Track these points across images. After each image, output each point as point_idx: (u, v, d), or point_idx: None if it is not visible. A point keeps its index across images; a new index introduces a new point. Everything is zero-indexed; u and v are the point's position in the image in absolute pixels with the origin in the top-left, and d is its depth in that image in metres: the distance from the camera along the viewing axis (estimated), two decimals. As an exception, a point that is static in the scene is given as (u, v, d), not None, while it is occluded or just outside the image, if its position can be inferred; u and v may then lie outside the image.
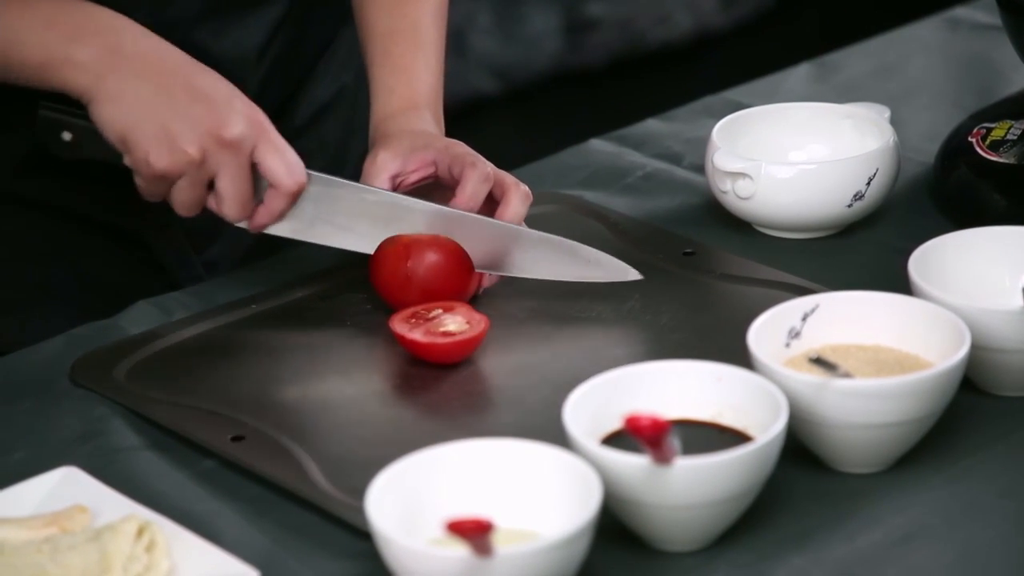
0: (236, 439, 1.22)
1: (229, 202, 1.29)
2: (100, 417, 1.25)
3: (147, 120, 1.26)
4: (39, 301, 1.45)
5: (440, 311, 1.29)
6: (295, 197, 1.31)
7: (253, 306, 1.37)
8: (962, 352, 1.15)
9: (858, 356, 1.20)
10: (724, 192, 1.43)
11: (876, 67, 1.72)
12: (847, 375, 1.15)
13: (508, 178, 1.35)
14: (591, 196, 1.51)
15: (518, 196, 1.34)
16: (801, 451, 1.17)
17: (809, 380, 1.14)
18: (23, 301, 1.45)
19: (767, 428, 1.10)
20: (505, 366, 1.29)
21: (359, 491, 1.08)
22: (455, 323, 1.28)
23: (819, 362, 1.16)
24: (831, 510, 1.13)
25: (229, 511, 1.16)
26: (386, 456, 1.10)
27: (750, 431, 1.13)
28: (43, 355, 1.34)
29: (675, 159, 1.57)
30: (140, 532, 1.09)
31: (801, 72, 1.71)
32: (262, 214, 1.31)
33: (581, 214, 1.46)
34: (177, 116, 1.26)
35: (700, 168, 1.51)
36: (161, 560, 1.08)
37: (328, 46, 1.54)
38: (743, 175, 1.41)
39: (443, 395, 1.26)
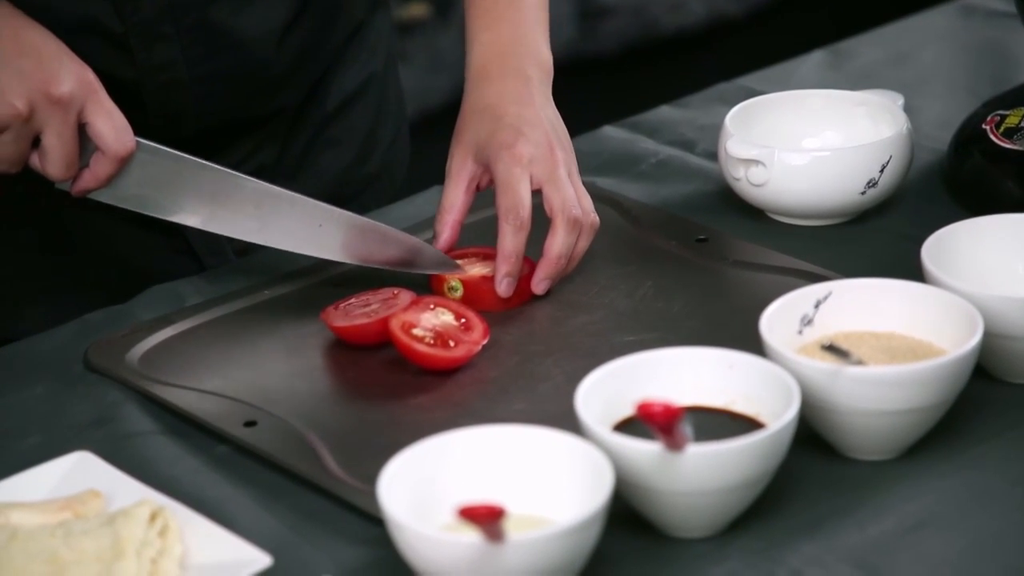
0: (249, 425, 1.22)
1: (53, 160, 1.26)
2: (114, 402, 1.26)
3: None
4: (68, 288, 1.45)
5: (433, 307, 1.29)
6: (122, 163, 1.28)
7: (266, 292, 1.37)
8: (975, 339, 1.15)
9: (871, 343, 1.20)
10: (737, 179, 1.43)
11: (890, 55, 1.71)
12: (860, 362, 1.15)
13: (558, 207, 1.31)
14: (604, 183, 1.51)
15: (562, 227, 1.31)
16: (813, 438, 1.17)
17: (822, 367, 1.14)
18: (53, 288, 1.45)
19: (779, 415, 1.11)
20: (517, 352, 1.29)
21: (372, 477, 1.08)
22: (448, 325, 1.28)
23: (832, 349, 1.16)
24: (843, 497, 1.13)
25: (242, 496, 1.16)
26: (398, 442, 1.10)
27: (762, 418, 1.13)
28: (57, 340, 1.34)
29: (688, 146, 1.57)
30: (153, 517, 1.09)
31: (815, 59, 1.71)
32: (87, 178, 1.28)
33: (594, 200, 1.46)
34: (4, 68, 1.24)
35: (713, 155, 1.51)
36: (174, 545, 1.08)
37: (357, 32, 1.53)
38: (756, 162, 1.41)
39: (456, 382, 1.26)
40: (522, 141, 1.32)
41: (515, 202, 1.30)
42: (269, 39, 1.41)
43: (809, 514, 1.12)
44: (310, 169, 1.51)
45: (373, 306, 1.30)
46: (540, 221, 1.33)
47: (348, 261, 1.34)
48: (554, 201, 1.32)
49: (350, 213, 1.33)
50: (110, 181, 1.29)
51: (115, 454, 1.18)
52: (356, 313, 1.30)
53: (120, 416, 1.24)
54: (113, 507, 1.12)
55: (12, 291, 1.46)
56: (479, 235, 1.38)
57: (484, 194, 1.38)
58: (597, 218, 1.34)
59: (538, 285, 1.32)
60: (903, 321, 1.20)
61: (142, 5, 1.35)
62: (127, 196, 1.31)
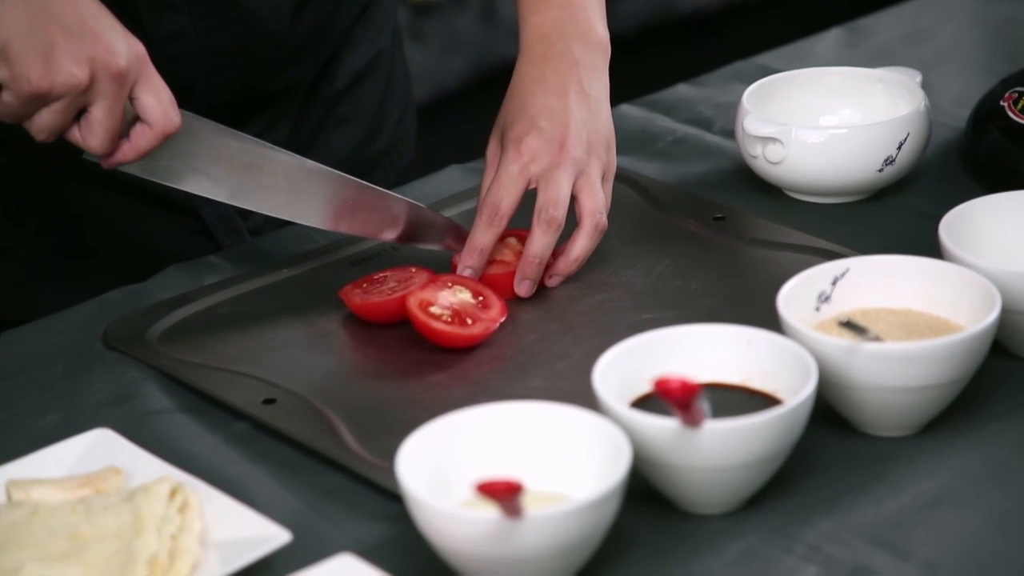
0: (268, 402, 1.22)
1: (98, 133, 1.22)
2: (133, 380, 1.26)
3: (33, 35, 1.19)
4: (86, 269, 1.46)
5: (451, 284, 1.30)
6: (166, 138, 1.24)
7: (285, 270, 1.37)
8: (992, 316, 1.15)
9: (888, 320, 1.20)
10: (754, 157, 1.43)
11: (908, 32, 1.71)
12: (877, 339, 1.16)
13: (538, 207, 1.30)
14: (621, 161, 1.51)
15: (538, 227, 1.29)
16: (830, 415, 1.17)
17: (839, 344, 1.14)
18: (71, 268, 1.46)
19: (796, 392, 1.11)
20: (535, 330, 1.29)
21: (390, 454, 1.08)
22: (468, 303, 1.28)
23: (849, 326, 1.16)
24: (860, 474, 1.14)
25: (261, 473, 1.17)
26: (417, 419, 1.11)
27: (780, 395, 1.13)
28: (77, 319, 1.34)
29: (705, 124, 1.57)
30: (173, 493, 1.10)
31: (832, 37, 1.71)
32: (126, 150, 1.24)
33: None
34: (67, 35, 1.19)
35: (730, 133, 1.51)
36: (194, 521, 1.09)
37: (366, 9, 1.53)
38: (774, 140, 1.41)
39: (474, 359, 1.26)
40: (532, 136, 1.31)
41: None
42: (281, 14, 1.41)
43: (826, 490, 1.12)
44: (321, 147, 1.52)
45: (391, 284, 1.31)
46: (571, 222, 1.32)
47: (377, 239, 1.34)
48: (539, 200, 1.31)
49: (382, 190, 1.32)
50: (145, 156, 1.26)
51: (134, 432, 1.19)
52: (374, 291, 1.31)
53: (139, 394, 1.25)
54: (133, 484, 1.13)
55: (31, 271, 1.46)
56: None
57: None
58: (604, 220, 1.32)
59: (519, 285, 1.31)
60: (920, 298, 1.20)
61: None
62: (156, 168, 1.28)
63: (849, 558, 1.07)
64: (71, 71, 1.19)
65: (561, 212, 1.30)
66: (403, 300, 1.28)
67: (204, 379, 1.25)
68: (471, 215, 1.34)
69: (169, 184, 1.29)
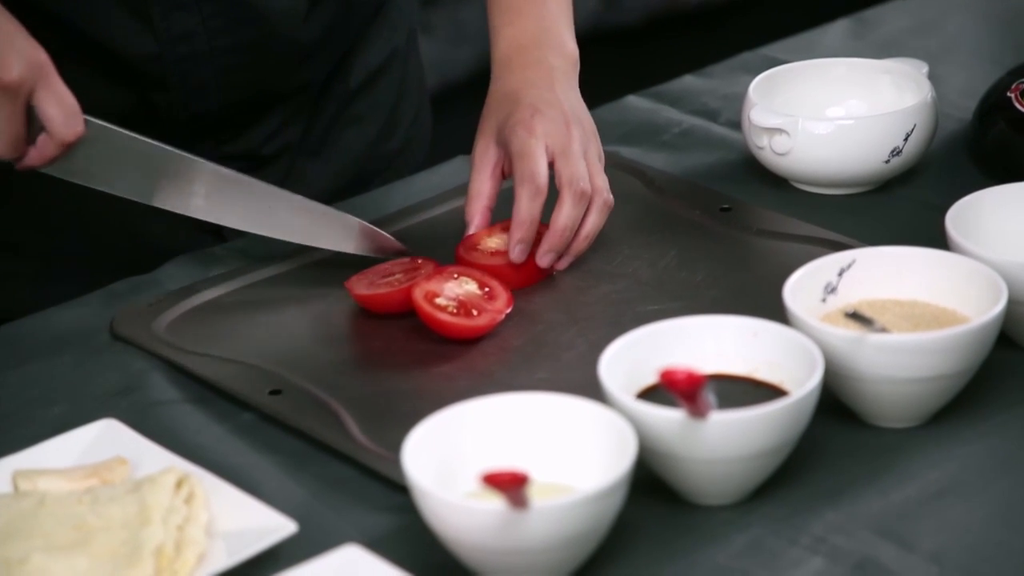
0: (274, 393, 1.22)
1: (1, 141, 1.25)
2: (139, 371, 1.26)
3: None
4: (93, 260, 1.46)
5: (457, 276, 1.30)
6: (68, 147, 1.27)
7: (290, 261, 1.37)
8: (999, 307, 1.15)
9: (894, 311, 1.20)
10: (761, 148, 1.43)
11: (914, 23, 1.71)
12: (883, 330, 1.15)
13: (566, 180, 1.31)
14: (628, 152, 1.51)
15: (569, 199, 1.30)
16: (836, 406, 1.17)
17: (845, 335, 1.14)
18: (78, 259, 1.46)
19: (802, 383, 1.11)
20: (541, 321, 1.29)
21: (396, 445, 1.08)
22: (473, 294, 1.28)
23: (855, 317, 1.16)
24: (866, 465, 1.14)
25: (267, 464, 1.17)
26: (422, 410, 1.11)
27: (786, 386, 1.13)
28: (83, 310, 1.35)
29: (712, 115, 1.57)
30: (179, 484, 1.10)
31: (839, 28, 1.71)
32: (33, 157, 1.27)
33: (618, 170, 1.46)
34: None
35: (737, 124, 1.51)
36: (200, 512, 1.09)
37: (381, 8, 1.53)
38: (780, 131, 1.41)
39: (480, 350, 1.26)
40: (538, 117, 1.32)
41: (530, 169, 1.30)
42: (293, 13, 1.41)
43: (832, 481, 1.12)
44: (334, 146, 1.52)
45: (396, 275, 1.31)
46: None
47: (297, 242, 1.34)
48: (563, 174, 1.31)
49: (299, 196, 1.33)
50: (55, 161, 1.29)
51: (141, 422, 1.19)
52: (379, 282, 1.31)
53: (146, 385, 1.25)
54: (139, 474, 1.13)
55: (40, 268, 1.46)
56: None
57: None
58: (611, 198, 1.33)
59: (542, 258, 1.32)
60: (927, 289, 1.20)
61: None
62: (74, 171, 1.30)
63: (855, 549, 1.07)
64: None
65: (587, 185, 1.31)
66: (408, 291, 1.28)
67: (210, 370, 1.25)
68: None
69: (88, 185, 1.31)
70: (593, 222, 1.32)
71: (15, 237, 1.46)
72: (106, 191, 1.31)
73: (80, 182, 1.30)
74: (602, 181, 1.33)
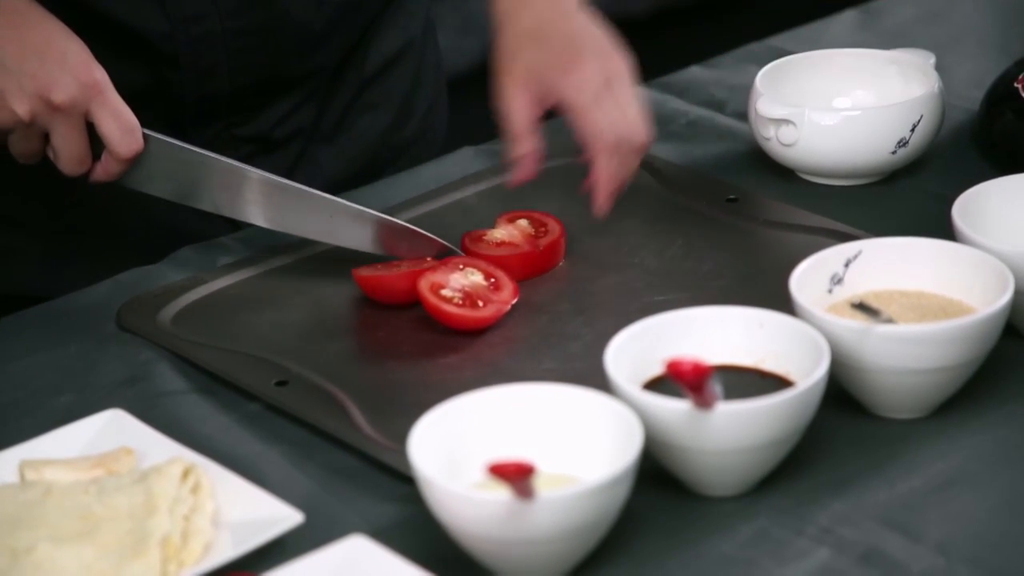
0: (280, 383, 1.22)
1: (63, 159, 1.29)
2: (146, 361, 1.26)
3: None
4: (101, 248, 1.46)
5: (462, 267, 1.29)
6: (129, 162, 1.30)
7: (297, 252, 1.37)
8: (1005, 298, 1.15)
9: (901, 302, 1.20)
10: (767, 139, 1.43)
11: (922, 13, 1.71)
12: (889, 321, 1.15)
13: (596, 135, 1.30)
14: (634, 143, 1.50)
15: (605, 155, 1.30)
16: (843, 397, 1.17)
17: (851, 326, 1.14)
18: (85, 248, 1.46)
19: (809, 374, 1.11)
20: (547, 313, 1.29)
21: (402, 435, 1.08)
22: (477, 285, 1.28)
23: (861, 308, 1.16)
24: (872, 455, 1.13)
25: (273, 454, 1.17)
26: (428, 401, 1.11)
27: (792, 377, 1.13)
28: (90, 300, 1.35)
29: (718, 106, 1.57)
30: (185, 474, 1.10)
31: (846, 19, 1.70)
32: (99, 172, 1.30)
33: (624, 161, 1.46)
34: (6, 73, 1.25)
35: (743, 115, 1.50)
36: (206, 502, 1.09)
37: None
38: (787, 122, 1.41)
39: (486, 341, 1.26)
40: (579, 65, 1.30)
41: (599, 128, 1.29)
42: (308, 2, 1.41)
43: (838, 472, 1.12)
44: (347, 133, 1.51)
45: (403, 267, 1.31)
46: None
47: (363, 250, 1.34)
48: (587, 130, 1.30)
49: (359, 207, 1.33)
50: (121, 176, 1.31)
51: (147, 412, 1.19)
52: (382, 267, 1.30)
53: (152, 375, 1.25)
54: (145, 464, 1.13)
55: (48, 246, 1.47)
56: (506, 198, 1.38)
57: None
58: (643, 136, 1.31)
59: (599, 208, 1.31)
60: (933, 279, 1.20)
61: None
62: (143, 183, 1.32)
63: (861, 540, 1.07)
64: (10, 108, 1.25)
65: (615, 133, 1.30)
66: (411, 276, 1.27)
67: (216, 360, 1.25)
68: (486, 195, 1.34)
69: (162, 197, 1.33)
70: (631, 165, 1.31)
71: (22, 214, 1.46)
72: (177, 202, 1.33)
73: (153, 193, 1.33)
74: (634, 114, 1.30)
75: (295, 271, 1.36)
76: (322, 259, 1.37)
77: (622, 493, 1.05)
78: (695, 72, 1.63)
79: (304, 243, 1.38)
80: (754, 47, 1.66)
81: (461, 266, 1.30)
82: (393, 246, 1.33)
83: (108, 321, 1.31)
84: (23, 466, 1.13)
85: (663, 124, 1.54)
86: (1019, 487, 1.11)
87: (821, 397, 1.11)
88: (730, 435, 1.08)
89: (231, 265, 1.37)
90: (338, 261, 1.35)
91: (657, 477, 1.11)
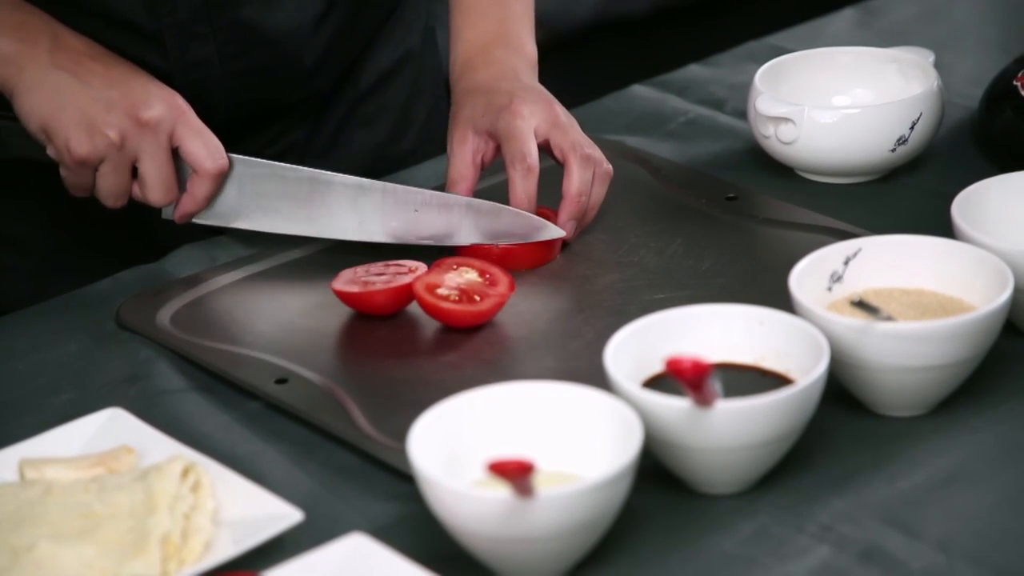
0: (280, 382, 1.22)
1: (152, 186, 1.30)
2: (146, 360, 1.26)
3: (66, 107, 1.28)
4: (100, 247, 1.46)
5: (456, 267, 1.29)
6: (218, 180, 1.31)
7: (297, 250, 1.38)
8: (1005, 295, 1.15)
9: (900, 299, 1.20)
10: (767, 137, 1.43)
11: (921, 11, 1.71)
12: (889, 318, 1.15)
13: (568, 147, 1.31)
14: (633, 141, 1.51)
15: (576, 164, 1.31)
16: (843, 394, 1.17)
17: (851, 323, 1.14)
18: (85, 246, 1.46)
19: (808, 371, 1.11)
20: (547, 310, 1.29)
21: (402, 433, 1.08)
22: (475, 284, 1.28)
23: (861, 305, 1.16)
24: (872, 453, 1.14)
25: (273, 452, 1.17)
26: (428, 399, 1.11)
27: (792, 374, 1.13)
28: (90, 298, 1.35)
29: (718, 104, 1.57)
30: (186, 472, 1.10)
31: (845, 17, 1.70)
32: (187, 201, 1.32)
33: (623, 159, 1.46)
34: (95, 101, 1.28)
35: (743, 113, 1.50)
36: (206, 500, 1.09)
37: (394, 11, 1.53)
38: (786, 120, 1.41)
39: (485, 339, 1.27)
40: (518, 100, 1.33)
41: (520, 150, 1.31)
42: (302, 32, 1.42)
43: (838, 470, 1.12)
44: (343, 147, 1.51)
45: (385, 276, 1.30)
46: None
47: (460, 244, 1.33)
48: (563, 143, 1.32)
49: (442, 193, 1.33)
50: (209, 201, 1.33)
51: (147, 411, 1.19)
52: (361, 280, 1.29)
53: (152, 373, 1.25)
54: (145, 463, 1.13)
55: (46, 249, 1.47)
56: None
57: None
58: (610, 167, 1.34)
59: (566, 225, 1.32)
60: (933, 277, 1.20)
61: (177, 7, 1.35)
62: (227, 213, 1.34)
63: (861, 537, 1.07)
64: (103, 132, 1.28)
65: (591, 149, 1.32)
66: (389, 292, 1.26)
67: (216, 359, 1.25)
68: (483, 195, 1.34)
69: (248, 228, 1.34)
70: (597, 192, 1.33)
71: (16, 233, 1.46)
72: (264, 231, 1.34)
73: (240, 226, 1.34)
74: (599, 151, 1.34)
75: (294, 270, 1.36)
76: (322, 257, 1.37)
77: (622, 491, 1.05)
78: (694, 70, 1.63)
79: (304, 241, 1.38)
80: (753, 45, 1.66)
81: (455, 266, 1.30)
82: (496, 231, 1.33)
83: (108, 319, 1.31)
84: (23, 464, 1.13)
85: (662, 123, 1.54)
86: (1019, 484, 1.11)
87: (821, 395, 1.11)
88: (730, 433, 1.08)
89: (230, 264, 1.37)
90: (338, 259, 1.35)
91: (657, 475, 1.11)
